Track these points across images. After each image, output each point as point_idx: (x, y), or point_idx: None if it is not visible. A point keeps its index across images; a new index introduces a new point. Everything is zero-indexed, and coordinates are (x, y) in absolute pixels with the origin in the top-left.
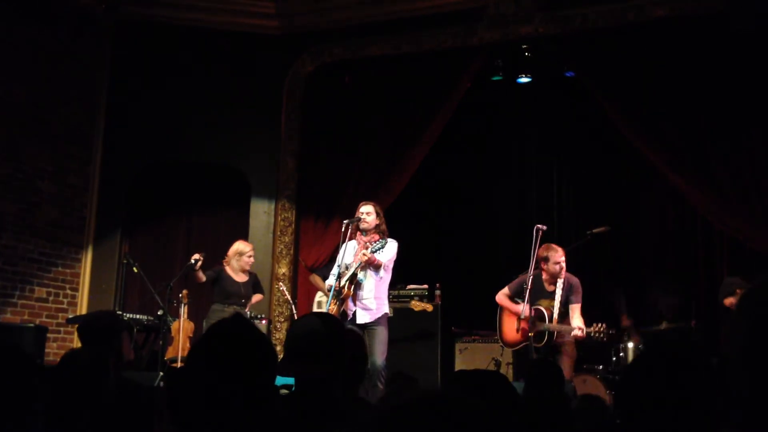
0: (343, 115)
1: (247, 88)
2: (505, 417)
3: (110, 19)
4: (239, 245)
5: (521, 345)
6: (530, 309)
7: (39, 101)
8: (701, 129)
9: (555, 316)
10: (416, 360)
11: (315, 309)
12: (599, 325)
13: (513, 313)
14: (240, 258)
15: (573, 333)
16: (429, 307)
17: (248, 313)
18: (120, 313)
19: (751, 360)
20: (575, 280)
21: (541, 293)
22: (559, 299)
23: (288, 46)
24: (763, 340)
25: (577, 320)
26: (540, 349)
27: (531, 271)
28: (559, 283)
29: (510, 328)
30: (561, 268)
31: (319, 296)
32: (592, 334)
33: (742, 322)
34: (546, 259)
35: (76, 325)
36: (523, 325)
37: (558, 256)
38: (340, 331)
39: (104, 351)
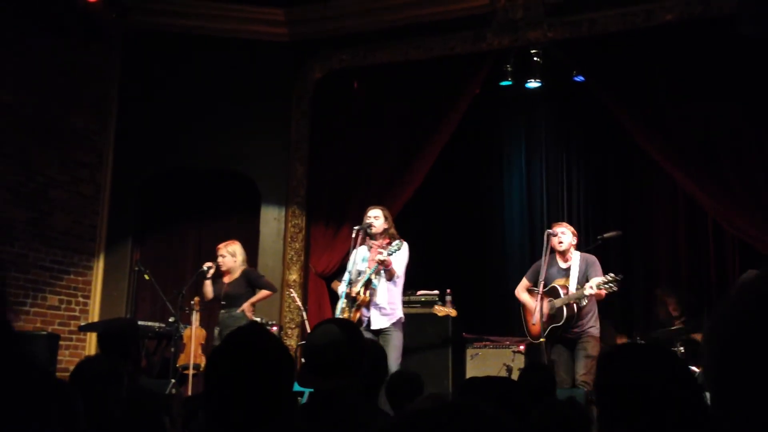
0: (352, 121)
1: (255, 95)
2: (517, 425)
3: (120, 28)
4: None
5: (546, 332)
6: (541, 303)
7: (50, 110)
8: (711, 132)
9: (571, 290)
10: (427, 366)
11: (338, 315)
12: (608, 276)
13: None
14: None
15: (586, 293)
16: (453, 312)
17: (236, 312)
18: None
19: (721, 360)
20: (592, 257)
21: (556, 273)
22: (576, 275)
23: (296, 52)
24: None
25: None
26: (559, 330)
27: (542, 276)
28: (575, 259)
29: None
30: (560, 242)
31: (342, 303)
32: (603, 286)
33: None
34: (554, 234)
35: (89, 333)
36: (546, 311)
37: (557, 228)
38: (359, 338)
39: (119, 360)
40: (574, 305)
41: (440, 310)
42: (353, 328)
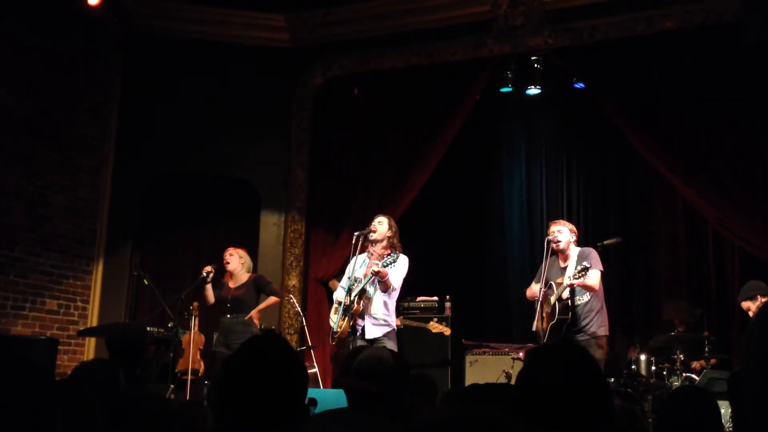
0: (353, 127)
1: (257, 100)
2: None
3: (122, 32)
4: None
5: (547, 334)
6: (541, 308)
7: (51, 113)
8: (711, 140)
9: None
10: (425, 372)
11: (334, 321)
12: (581, 264)
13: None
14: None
15: (565, 283)
16: (447, 331)
17: (244, 318)
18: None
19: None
20: (587, 250)
21: (557, 273)
22: (572, 271)
23: (298, 58)
24: None
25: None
26: (560, 331)
27: (542, 280)
28: (572, 257)
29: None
30: (557, 241)
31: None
32: (578, 275)
33: (758, 336)
34: (555, 242)
35: (88, 338)
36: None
37: (554, 227)
38: (403, 365)
39: (116, 363)
40: (567, 301)
41: (435, 327)
42: (399, 356)
